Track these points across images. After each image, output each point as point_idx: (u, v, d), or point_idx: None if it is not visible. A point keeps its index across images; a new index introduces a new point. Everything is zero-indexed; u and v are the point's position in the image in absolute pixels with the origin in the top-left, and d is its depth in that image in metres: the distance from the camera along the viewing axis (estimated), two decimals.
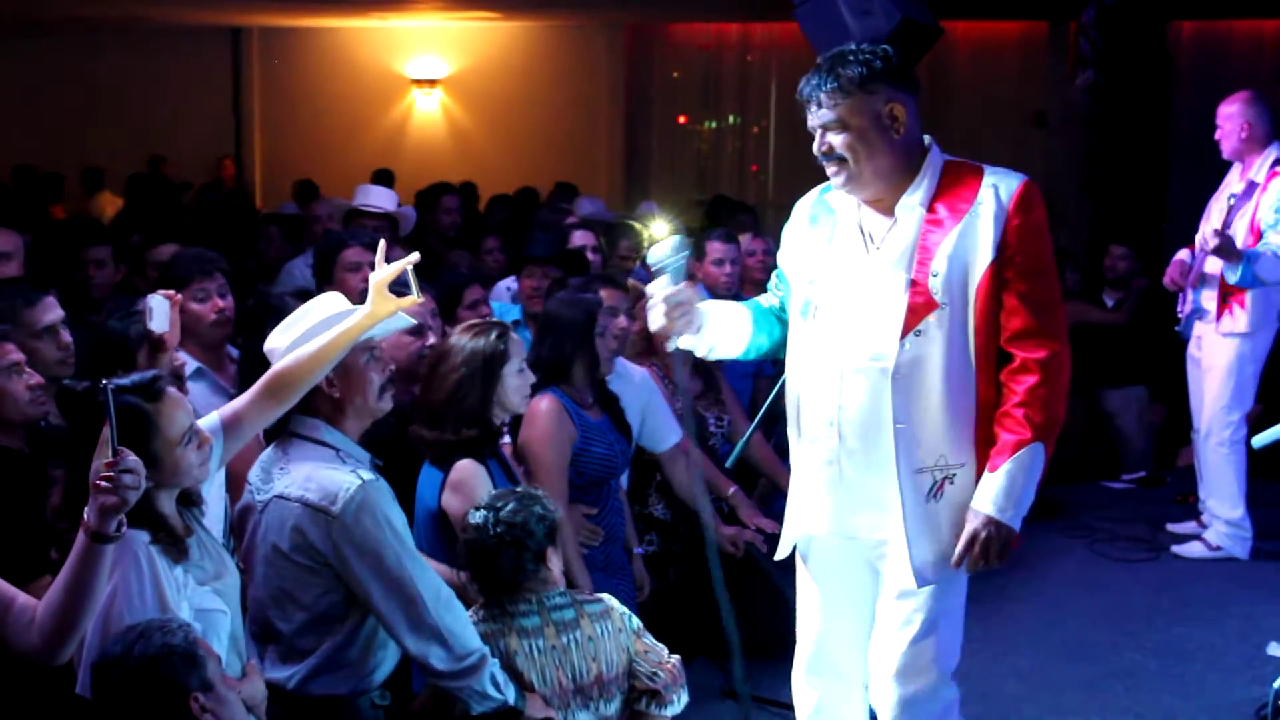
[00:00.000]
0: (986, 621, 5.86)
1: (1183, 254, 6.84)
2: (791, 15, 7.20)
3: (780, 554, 3.78)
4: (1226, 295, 6.58)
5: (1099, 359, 8.30)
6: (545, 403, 4.59)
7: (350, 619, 3.43)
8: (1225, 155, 6.71)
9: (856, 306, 3.46)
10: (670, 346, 3.66)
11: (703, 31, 15.34)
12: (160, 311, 4.06)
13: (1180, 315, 6.91)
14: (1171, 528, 7.20)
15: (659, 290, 3.54)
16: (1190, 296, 6.81)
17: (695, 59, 15.46)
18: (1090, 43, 10.45)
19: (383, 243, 3.52)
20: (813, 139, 3.50)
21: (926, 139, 3.51)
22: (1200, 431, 6.84)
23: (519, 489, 3.79)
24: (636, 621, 3.76)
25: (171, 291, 4.13)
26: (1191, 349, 6.89)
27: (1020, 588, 6.41)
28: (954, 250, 3.37)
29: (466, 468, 4.00)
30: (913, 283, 3.39)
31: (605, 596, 3.78)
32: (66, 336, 4.16)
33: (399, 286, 3.41)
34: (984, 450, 3.43)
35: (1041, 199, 3.43)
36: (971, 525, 3.41)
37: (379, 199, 7.32)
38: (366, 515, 3.32)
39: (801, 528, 3.68)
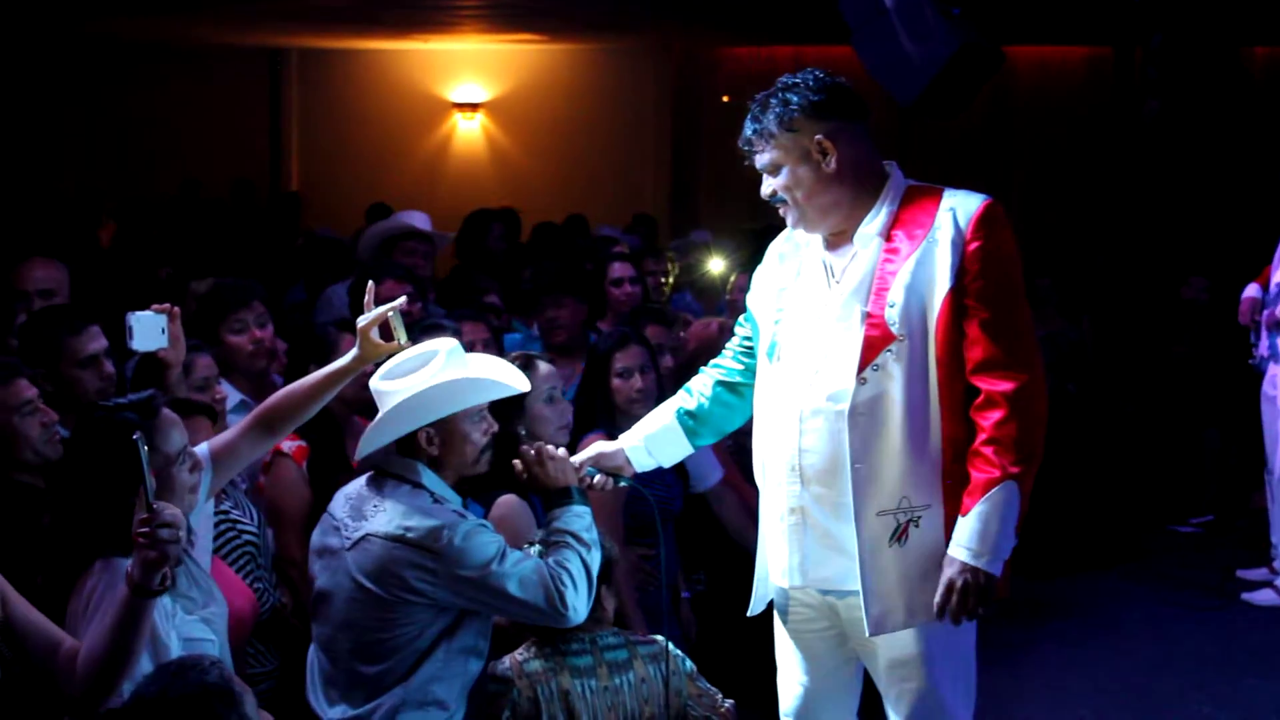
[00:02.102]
0: (1047, 669, 5.93)
1: (1251, 289, 6.69)
2: (848, 40, 7.11)
3: (753, 610, 3.60)
4: None
5: (1179, 397, 8.25)
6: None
7: (437, 652, 3.38)
8: None
9: (816, 344, 3.34)
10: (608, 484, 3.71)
11: (754, 55, 15.22)
12: (143, 328, 3.92)
13: (1254, 350, 6.74)
14: (1242, 574, 7.05)
15: None
16: (1265, 336, 6.65)
17: (746, 83, 15.23)
18: (1157, 69, 10.30)
19: (370, 283, 3.54)
20: None
21: (888, 165, 3.40)
22: (1274, 472, 6.72)
23: None
24: (690, 664, 3.75)
25: (166, 305, 4.01)
26: (1266, 386, 6.78)
27: (1083, 634, 6.35)
28: (911, 279, 3.23)
29: (507, 503, 3.97)
30: (869, 315, 3.25)
31: (659, 638, 3.72)
32: (109, 367, 4.13)
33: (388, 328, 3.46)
34: (952, 491, 3.25)
35: (1006, 219, 3.29)
36: (947, 573, 3.21)
37: (418, 221, 7.31)
38: (470, 544, 3.33)
39: (773, 582, 3.51)
